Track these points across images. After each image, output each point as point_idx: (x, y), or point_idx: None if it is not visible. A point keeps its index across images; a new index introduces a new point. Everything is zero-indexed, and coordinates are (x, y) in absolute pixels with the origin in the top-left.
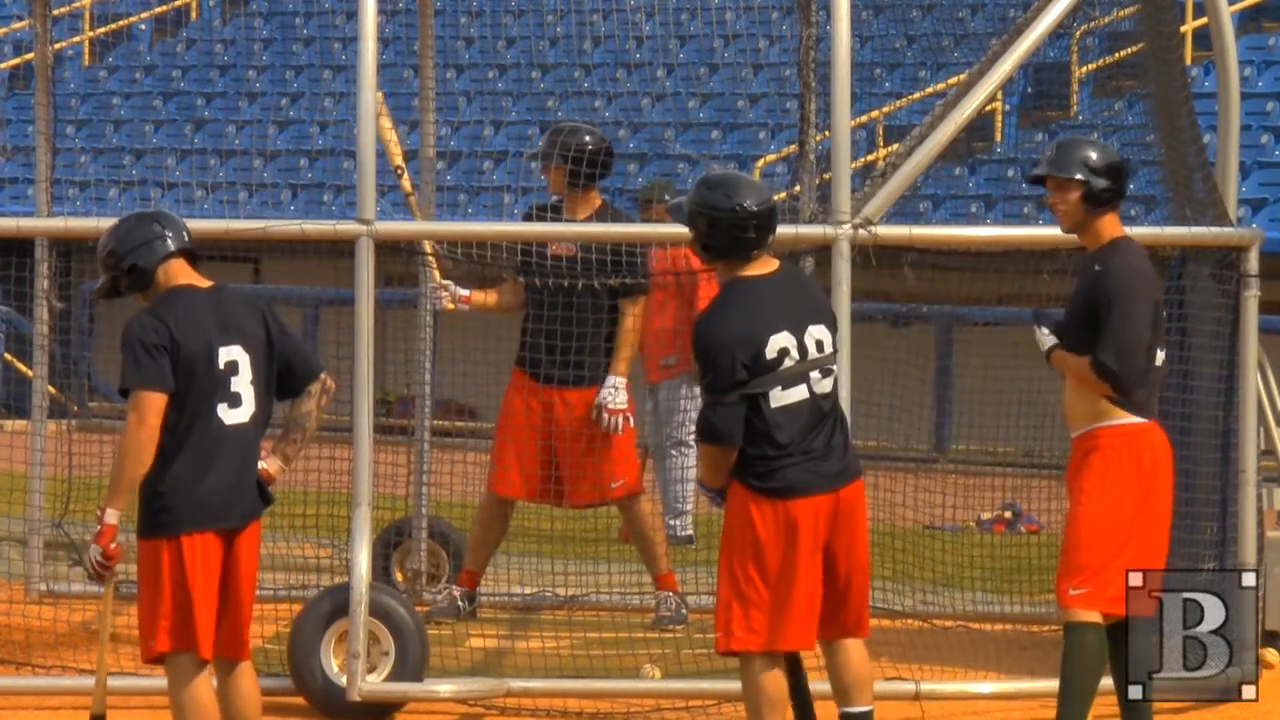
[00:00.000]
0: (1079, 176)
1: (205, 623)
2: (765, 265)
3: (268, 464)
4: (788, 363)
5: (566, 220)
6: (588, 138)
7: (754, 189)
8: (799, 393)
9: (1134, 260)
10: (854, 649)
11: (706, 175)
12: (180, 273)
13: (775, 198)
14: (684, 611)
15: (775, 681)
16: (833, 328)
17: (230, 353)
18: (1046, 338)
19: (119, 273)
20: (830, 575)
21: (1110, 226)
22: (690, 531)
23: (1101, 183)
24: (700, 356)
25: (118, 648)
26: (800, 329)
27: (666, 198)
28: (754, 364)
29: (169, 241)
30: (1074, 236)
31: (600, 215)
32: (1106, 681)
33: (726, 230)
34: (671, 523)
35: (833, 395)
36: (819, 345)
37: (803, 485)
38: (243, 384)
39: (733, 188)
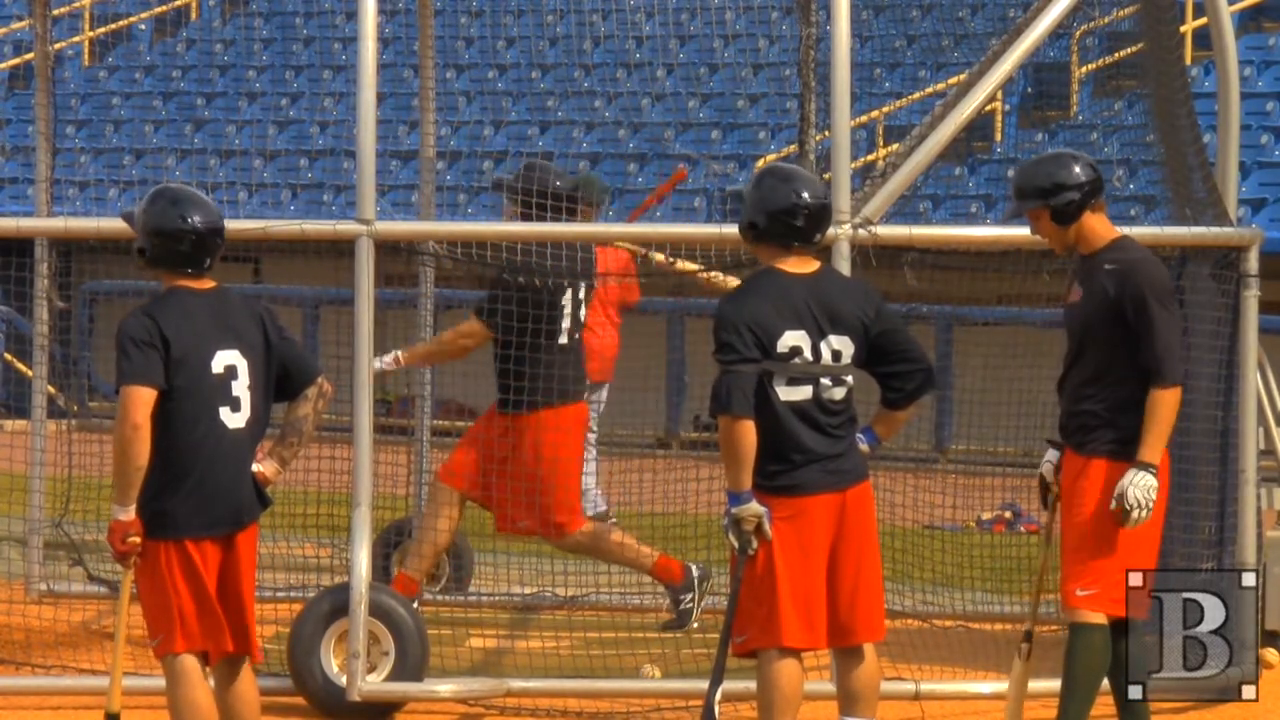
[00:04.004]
0: (1038, 203)
1: (219, 620)
2: (804, 265)
3: (264, 467)
4: (797, 361)
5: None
6: (556, 179)
7: (813, 186)
8: (803, 392)
9: (1150, 257)
10: (866, 659)
11: (771, 164)
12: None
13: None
14: (685, 609)
15: (790, 679)
16: (860, 340)
17: (228, 357)
18: (1144, 479)
19: (137, 240)
20: (841, 577)
21: (1101, 227)
22: (605, 508)
23: (1065, 197)
24: (716, 330)
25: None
26: (820, 334)
27: (604, 198)
28: (762, 351)
29: (188, 246)
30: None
31: None
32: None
33: (777, 216)
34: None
35: (844, 402)
36: (836, 355)
37: (811, 484)
38: (241, 388)
39: (794, 179)
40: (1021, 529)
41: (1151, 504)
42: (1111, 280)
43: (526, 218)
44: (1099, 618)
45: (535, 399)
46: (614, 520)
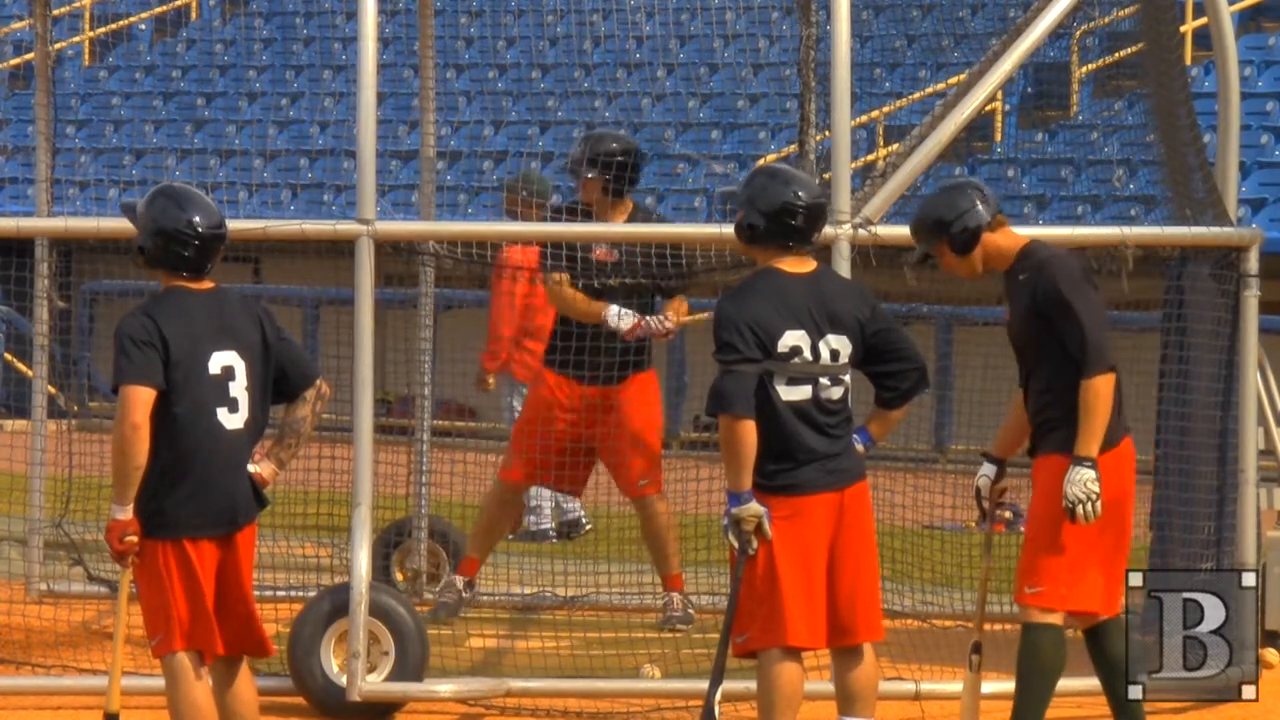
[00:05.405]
0: (935, 241)
1: (213, 622)
2: (802, 265)
3: (262, 468)
4: (797, 361)
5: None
6: (616, 145)
7: (808, 185)
8: (803, 392)
9: (1057, 254)
10: (865, 659)
11: (765, 164)
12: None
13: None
14: (691, 611)
15: (790, 679)
16: (858, 340)
17: (226, 357)
18: (1081, 474)
19: (137, 238)
20: (839, 576)
21: (1007, 241)
22: (549, 526)
23: (958, 227)
24: (716, 329)
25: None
26: (819, 333)
27: (524, 192)
28: (763, 351)
29: (189, 249)
30: (1072, 233)
31: (634, 221)
32: (1094, 682)
33: (775, 216)
34: (529, 519)
35: (841, 402)
36: (834, 354)
37: (810, 483)
38: (239, 389)
39: (790, 178)
40: (1021, 529)
41: (1094, 497)
42: (1026, 290)
43: (605, 189)
44: (1050, 617)
45: (645, 360)
46: (589, 526)
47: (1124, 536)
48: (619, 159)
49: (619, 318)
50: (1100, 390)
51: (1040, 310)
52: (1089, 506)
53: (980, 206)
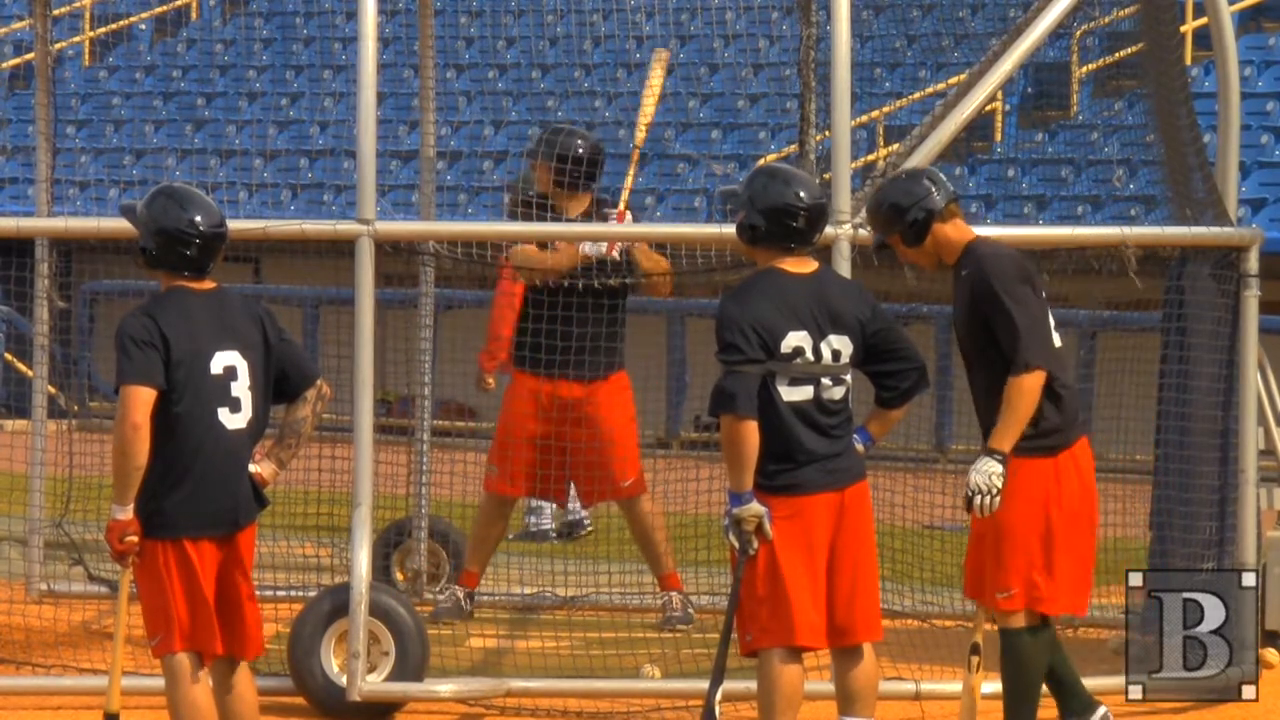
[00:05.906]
0: (888, 232)
1: (213, 622)
2: (803, 265)
3: (262, 468)
4: (799, 361)
5: (555, 219)
6: (569, 138)
7: (809, 185)
8: (804, 393)
9: (997, 251)
10: (864, 659)
11: (765, 164)
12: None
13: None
14: (691, 611)
15: (790, 679)
16: (858, 340)
17: (227, 358)
18: (987, 465)
19: (138, 238)
20: (839, 576)
21: (956, 234)
22: (549, 526)
23: (907, 219)
24: (719, 330)
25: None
26: (820, 334)
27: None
28: (766, 352)
29: (191, 249)
30: (1073, 233)
31: (589, 213)
32: (1092, 681)
33: (776, 217)
34: (529, 519)
35: (842, 402)
36: (835, 355)
37: (811, 483)
38: (241, 389)
39: (791, 178)
40: None
41: (995, 491)
42: (966, 287)
43: (559, 183)
44: (1026, 619)
45: (617, 361)
46: (590, 528)
47: (1092, 535)
48: (575, 152)
49: (593, 246)
50: (1025, 388)
51: (978, 307)
52: (987, 499)
53: (935, 194)
